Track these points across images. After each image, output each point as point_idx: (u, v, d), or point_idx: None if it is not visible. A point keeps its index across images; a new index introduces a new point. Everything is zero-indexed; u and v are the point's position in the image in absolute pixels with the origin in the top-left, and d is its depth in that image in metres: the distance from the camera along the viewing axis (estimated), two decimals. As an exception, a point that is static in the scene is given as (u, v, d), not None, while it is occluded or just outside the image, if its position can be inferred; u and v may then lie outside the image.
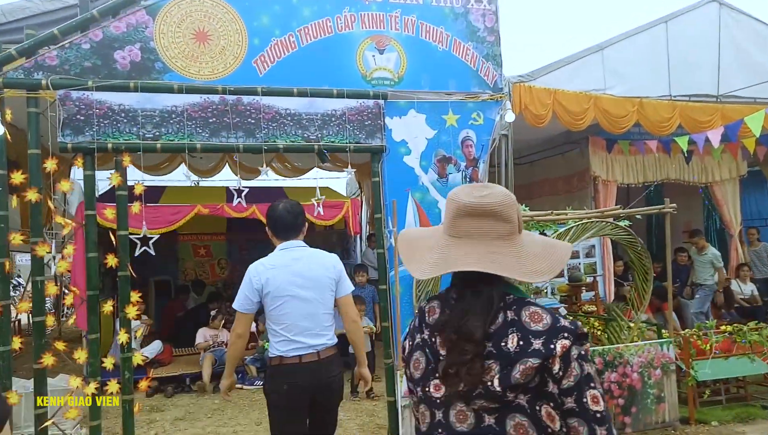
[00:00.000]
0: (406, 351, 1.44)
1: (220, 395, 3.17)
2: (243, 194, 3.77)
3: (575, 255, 7.61)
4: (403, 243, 1.44)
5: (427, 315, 1.39)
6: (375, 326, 6.74)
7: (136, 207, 3.43)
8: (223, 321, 6.88)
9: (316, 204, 4.21)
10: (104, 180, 5.24)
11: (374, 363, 6.75)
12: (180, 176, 11.78)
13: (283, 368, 2.64)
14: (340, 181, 12.08)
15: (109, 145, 3.36)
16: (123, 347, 3.38)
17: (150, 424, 5.21)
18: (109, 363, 3.31)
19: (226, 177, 11.63)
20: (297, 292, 2.65)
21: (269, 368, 2.75)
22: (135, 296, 3.44)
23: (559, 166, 9.26)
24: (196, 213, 6.73)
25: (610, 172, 8.44)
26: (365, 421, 5.07)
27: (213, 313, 7.02)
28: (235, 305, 2.73)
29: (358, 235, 7.41)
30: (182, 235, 10.56)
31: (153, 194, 7.66)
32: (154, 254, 3.56)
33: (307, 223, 2.93)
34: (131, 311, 3.38)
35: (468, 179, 4.09)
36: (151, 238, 3.51)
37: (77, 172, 11.24)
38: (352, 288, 2.88)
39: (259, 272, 2.69)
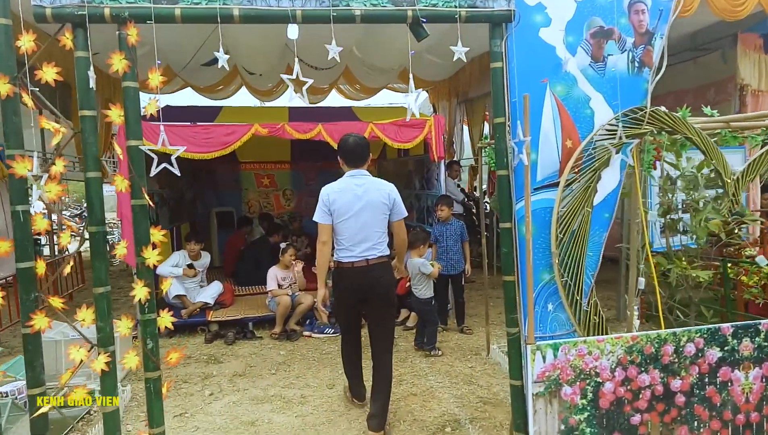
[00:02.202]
0: None
1: (315, 308, 4.05)
2: (305, 88, 2.58)
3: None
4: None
5: None
6: (466, 267, 5.61)
7: (152, 106, 2.33)
8: (294, 256, 5.94)
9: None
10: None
11: (464, 312, 5.66)
12: (239, 102, 10.86)
13: (340, 270, 3.36)
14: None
15: (106, 11, 2.24)
16: (142, 306, 2.39)
17: (205, 380, 4.41)
18: (166, 321, 2.37)
19: (289, 101, 10.58)
20: (356, 212, 3.26)
21: (333, 270, 3.45)
22: (157, 235, 2.41)
23: (689, 74, 7.44)
24: (253, 133, 5.68)
25: (765, 79, 6.61)
26: (463, 392, 4.02)
27: (283, 245, 6.07)
28: (315, 218, 3.34)
29: (443, 161, 6.11)
30: (244, 164, 9.72)
31: (207, 115, 6.64)
32: (179, 175, 2.49)
33: (370, 154, 3.47)
34: (150, 256, 2.36)
35: (637, 63, 2.70)
36: (175, 153, 2.40)
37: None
38: (405, 214, 3.44)
39: (328, 193, 3.33)
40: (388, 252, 3.39)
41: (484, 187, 8.69)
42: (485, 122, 10.18)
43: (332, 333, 5.59)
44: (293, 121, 5.90)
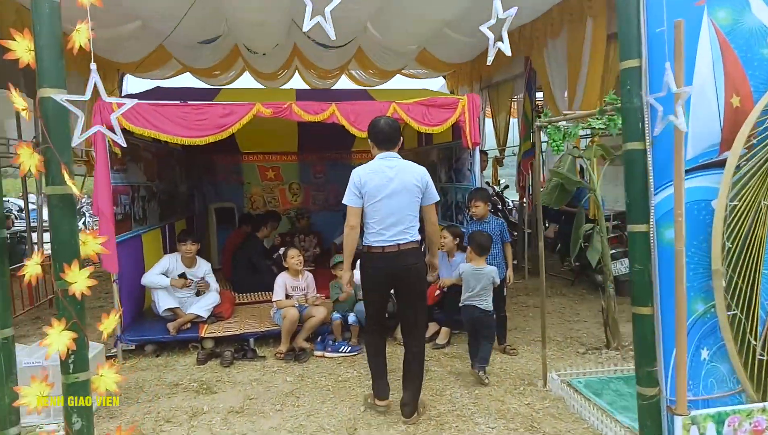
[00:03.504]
0: None
1: (344, 288, 3.66)
2: (329, 8, 1.65)
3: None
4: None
5: None
6: (508, 274, 4.67)
7: (80, 34, 1.40)
8: (301, 259, 5.02)
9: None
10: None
11: (505, 327, 4.73)
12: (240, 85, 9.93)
13: (370, 255, 3.33)
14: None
15: None
16: (65, 363, 1.46)
17: (192, 420, 3.50)
18: (108, 383, 1.44)
19: (296, 85, 9.65)
20: (388, 195, 3.23)
21: (362, 254, 3.40)
22: (92, 243, 1.48)
23: None
24: (255, 114, 4.76)
25: None
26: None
27: (282, 251, 5.17)
28: (345, 201, 3.31)
29: (477, 148, 5.17)
30: (246, 155, 8.81)
31: (203, 96, 5.70)
32: (125, 146, 1.55)
33: (402, 138, 3.44)
34: (77, 278, 1.42)
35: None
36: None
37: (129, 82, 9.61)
38: (437, 198, 3.42)
39: (360, 175, 3.29)
40: (419, 237, 3.34)
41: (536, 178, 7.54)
42: (510, 115, 9.22)
43: (349, 352, 4.67)
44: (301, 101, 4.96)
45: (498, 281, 4.18)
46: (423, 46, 8.20)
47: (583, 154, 4.43)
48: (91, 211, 16.66)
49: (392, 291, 3.58)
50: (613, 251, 6.05)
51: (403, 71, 10.04)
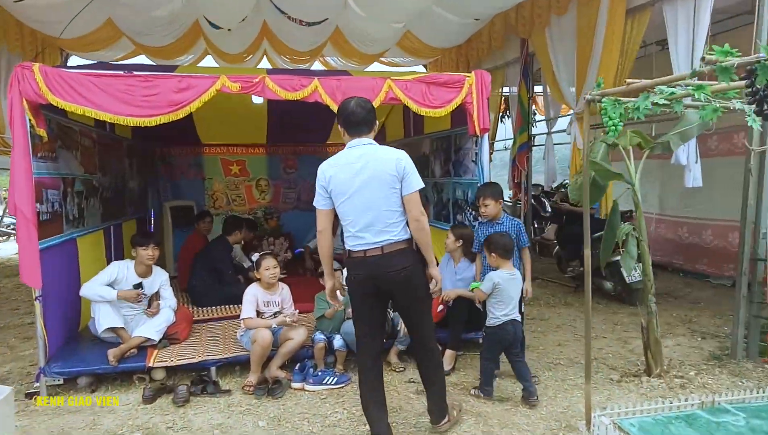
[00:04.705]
0: None
1: (327, 299, 3.18)
2: None
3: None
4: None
5: None
6: (525, 290, 3.88)
7: None
8: (278, 274, 4.14)
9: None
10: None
11: (523, 346, 3.95)
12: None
13: (350, 262, 2.89)
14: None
15: None
16: None
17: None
18: None
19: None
20: (357, 190, 2.78)
21: (345, 261, 2.99)
22: None
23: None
24: (218, 90, 3.85)
25: None
26: None
27: (255, 257, 4.26)
28: (314, 203, 2.91)
29: (486, 136, 4.38)
30: (207, 147, 7.83)
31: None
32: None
33: (377, 120, 2.94)
34: None
35: None
36: None
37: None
38: (421, 185, 2.84)
39: (323, 171, 2.87)
40: (406, 235, 2.87)
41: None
42: (498, 110, 8.50)
43: (335, 384, 3.80)
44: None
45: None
46: (407, 27, 7.39)
47: (618, 142, 3.68)
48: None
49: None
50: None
51: (381, 59, 9.22)
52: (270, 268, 4.02)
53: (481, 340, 3.90)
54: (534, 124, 7.93)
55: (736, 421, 3.01)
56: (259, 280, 4.12)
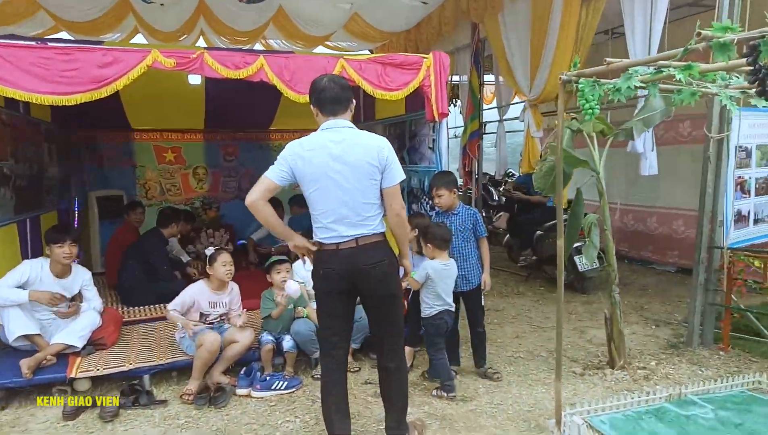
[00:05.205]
0: None
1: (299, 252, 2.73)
2: None
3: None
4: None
5: None
6: (483, 281, 3.70)
7: None
8: (233, 271, 3.77)
9: None
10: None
11: (485, 346, 3.79)
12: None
13: (321, 254, 2.60)
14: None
15: None
16: None
17: None
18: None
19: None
20: (334, 178, 2.51)
21: (315, 254, 2.65)
22: None
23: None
24: (150, 65, 3.43)
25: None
26: None
27: (210, 251, 3.82)
28: (266, 172, 2.56)
29: (445, 122, 4.16)
30: (138, 132, 7.20)
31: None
32: None
33: (353, 99, 2.65)
34: None
35: None
36: None
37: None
38: (403, 177, 2.62)
39: (295, 151, 2.56)
40: (383, 229, 2.63)
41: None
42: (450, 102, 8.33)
43: (285, 388, 3.48)
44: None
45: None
46: (355, 8, 7.06)
47: (582, 128, 3.55)
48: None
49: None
50: (578, 244, 5.34)
51: (327, 43, 8.83)
52: (227, 263, 3.66)
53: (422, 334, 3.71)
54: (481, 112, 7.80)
55: (705, 413, 2.95)
56: (207, 277, 3.73)
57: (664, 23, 4.28)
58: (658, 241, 6.81)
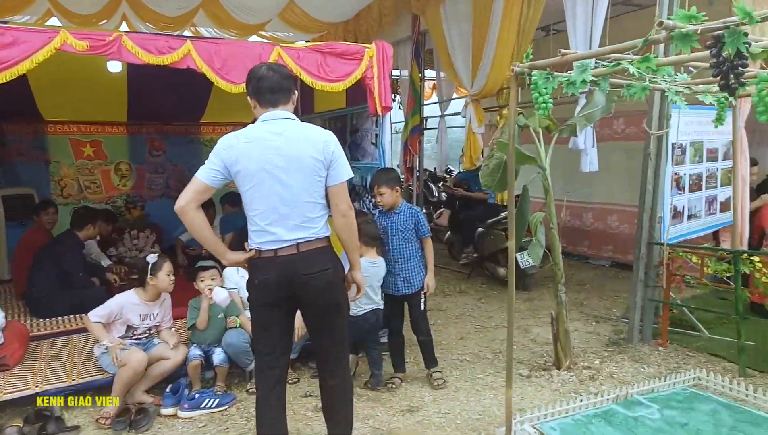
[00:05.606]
0: None
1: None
2: None
3: (714, 156, 4.74)
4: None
5: None
6: (426, 284, 3.55)
7: None
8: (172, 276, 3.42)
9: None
10: None
11: (432, 350, 3.65)
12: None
13: (257, 261, 2.34)
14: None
15: None
16: None
17: None
18: None
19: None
20: (273, 173, 2.27)
21: (250, 262, 2.38)
22: None
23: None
24: (58, 47, 3.04)
25: None
26: None
27: (153, 258, 3.41)
28: (197, 173, 2.28)
29: (388, 117, 3.97)
30: (52, 124, 6.58)
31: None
32: None
33: (296, 89, 2.43)
34: None
35: None
36: None
37: None
38: (350, 175, 2.39)
39: (229, 145, 2.29)
40: (327, 232, 2.39)
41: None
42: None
43: (215, 406, 3.19)
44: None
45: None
46: (292, -1, 6.75)
47: (528, 123, 3.46)
48: None
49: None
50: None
51: (261, 32, 8.43)
52: (171, 273, 3.32)
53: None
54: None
55: (651, 414, 2.93)
56: (131, 283, 3.38)
57: (605, 19, 4.28)
58: (593, 236, 6.93)
